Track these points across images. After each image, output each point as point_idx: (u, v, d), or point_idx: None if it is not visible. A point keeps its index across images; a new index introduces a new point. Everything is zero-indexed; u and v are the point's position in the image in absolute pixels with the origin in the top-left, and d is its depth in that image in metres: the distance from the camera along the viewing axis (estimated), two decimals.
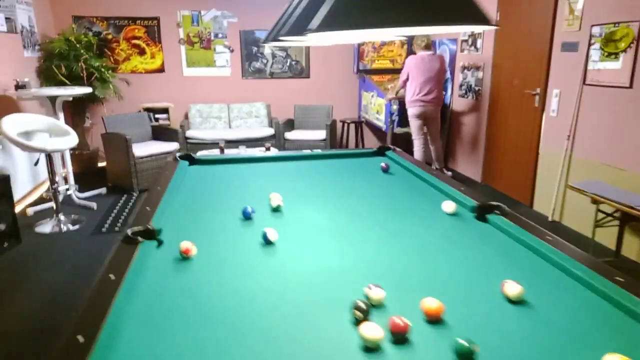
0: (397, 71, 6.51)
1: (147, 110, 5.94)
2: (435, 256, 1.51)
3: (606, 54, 3.32)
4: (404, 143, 6.13)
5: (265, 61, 6.49)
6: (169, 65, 6.26)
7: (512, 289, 1.21)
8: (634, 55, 3.09)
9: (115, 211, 4.31)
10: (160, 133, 5.59)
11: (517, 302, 1.21)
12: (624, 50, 3.16)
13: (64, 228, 3.91)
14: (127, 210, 4.35)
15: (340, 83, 6.72)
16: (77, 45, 5.24)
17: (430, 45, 4.82)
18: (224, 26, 6.28)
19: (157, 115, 6.05)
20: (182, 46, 6.24)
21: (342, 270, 1.41)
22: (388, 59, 6.46)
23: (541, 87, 4.07)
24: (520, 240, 1.58)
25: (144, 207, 1.86)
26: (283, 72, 6.59)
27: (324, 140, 5.83)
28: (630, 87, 3.13)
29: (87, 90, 4.49)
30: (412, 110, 4.86)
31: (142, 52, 6.14)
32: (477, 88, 5.14)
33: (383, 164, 2.62)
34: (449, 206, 1.91)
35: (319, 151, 3.04)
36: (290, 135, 6.00)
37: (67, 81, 5.08)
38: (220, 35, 6.30)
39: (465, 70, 5.35)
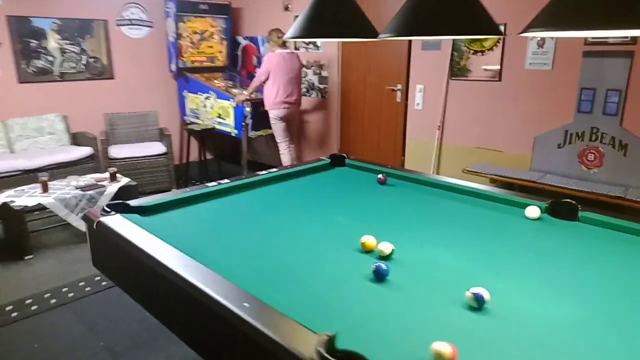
0: (220, 69, 5.97)
1: None
2: (611, 269, 1.41)
3: (472, 51, 3.80)
4: (254, 147, 5.75)
5: (51, 59, 4.91)
6: None
7: None
8: (501, 52, 3.64)
9: None
10: None
11: None
12: (491, 49, 3.69)
13: None
14: None
15: (154, 84, 5.70)
16: None
17: (286, 42, 4.55)
18: None
19: None
20: None
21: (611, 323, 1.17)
22: (208, 55, 5.82)
23: (402, 83, 4.38)
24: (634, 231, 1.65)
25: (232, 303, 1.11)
26: (78, 73, 5.13)
27: (165, 154, 4.85)
28: (499, 80, 3.69)
29: None
30: (275, 113, 4.52)
31: None
32: (322, 86, 5.16)
33: (380, 176, 2.33)
34: (533, 212, 1.83)
35: (274, 171, 2.49)
36: (115, 152, 4.74)
37: None
38: None
39: (305, 69, 5.29)
